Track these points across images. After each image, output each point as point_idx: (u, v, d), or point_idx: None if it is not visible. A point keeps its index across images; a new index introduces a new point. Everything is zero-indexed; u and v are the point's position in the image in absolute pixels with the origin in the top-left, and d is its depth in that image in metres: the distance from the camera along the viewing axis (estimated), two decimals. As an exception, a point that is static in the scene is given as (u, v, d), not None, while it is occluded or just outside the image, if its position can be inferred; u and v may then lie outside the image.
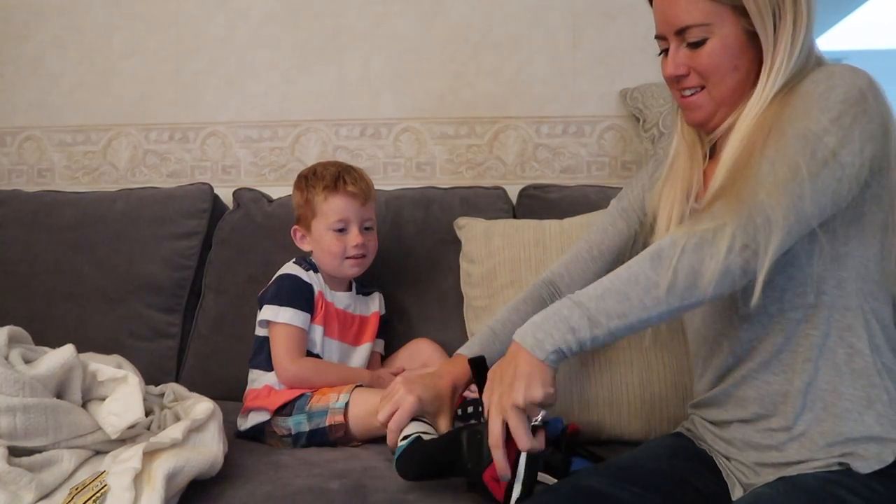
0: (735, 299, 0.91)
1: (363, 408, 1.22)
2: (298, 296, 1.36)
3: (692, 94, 0.96)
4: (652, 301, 0.82)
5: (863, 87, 0.84)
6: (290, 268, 1.41)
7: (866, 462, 0.85)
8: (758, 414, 0.93)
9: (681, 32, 0.93)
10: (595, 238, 1.18)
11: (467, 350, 1.12)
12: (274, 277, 1.41)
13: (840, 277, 0.88)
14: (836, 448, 0.87)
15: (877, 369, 0.87)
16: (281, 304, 1.34)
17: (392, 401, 1.02)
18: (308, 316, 1.36)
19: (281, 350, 1.32)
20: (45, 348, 1.13)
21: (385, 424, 1.02)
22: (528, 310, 1.14)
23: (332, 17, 1.90)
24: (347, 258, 1.39)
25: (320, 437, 1.23)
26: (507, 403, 0.85)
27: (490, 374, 0.90)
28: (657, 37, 0.98)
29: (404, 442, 0.99)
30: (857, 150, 0.82)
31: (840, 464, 0.86)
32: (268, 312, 1.34)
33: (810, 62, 0.92)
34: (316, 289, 1.39)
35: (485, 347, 1.11)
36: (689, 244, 0.81)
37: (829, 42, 4.99)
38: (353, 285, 1.48)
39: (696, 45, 0.93)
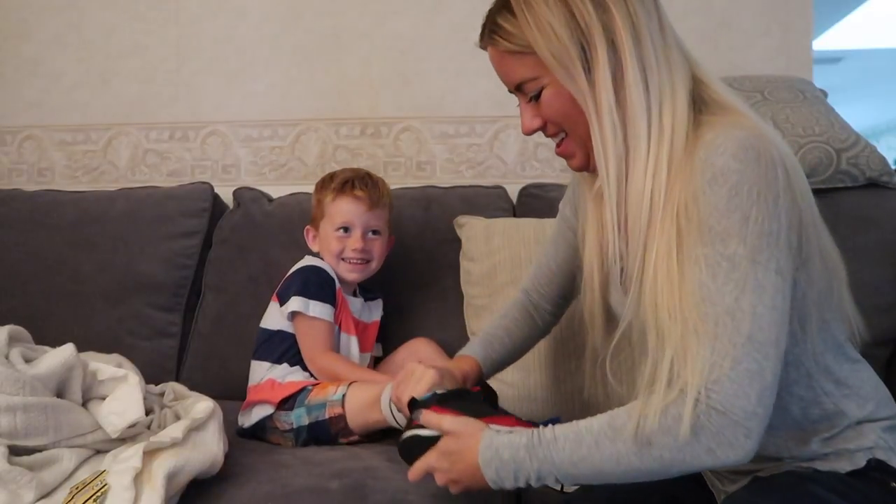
0: None
1: (360, 399, 1.22)
2: (326, 289, 1.38)
3: (560, 143, 0.94)
4: (629, 478, 0.81)
5: (753, 177, 0.77)
6: (313, 260, 1.43)
7: (840, 465, 0.84)
8: None
9: (519, 88, 0.91)
10: (550, 251, 1.18)
11: (469, 351, 1.14)
12: (296, 269, 1.42)
13: None
14: (805, 461, 0.86)
15: (835, 409, 0.86)
16: (310, 297, 1.36)
17: (412, 376, 1.03)
18: (334, 310, 1.37)
19: (311, 343, 1.34)
20: (46, 347, 1.13)
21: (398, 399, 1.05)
22: (516, 315, 1.18)
23: (332, 15, 1.89)
24: (344, 260, 1.40)
25: (321, 431, 1.23)
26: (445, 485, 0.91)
27: (442, 448, 0.91)
28: (509, 91, 0.96)
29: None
30: (782, 244, 0.78)
31: (813, 468, 0.85)
32: (297, 304, 1.35)
33: (683, 93, 0.84)
34: (336, 284, 1.40)
35: (485, 349, 1.14)
36: (679, 435, 0.76)
37: (829, 41, 4.99)
38: (358, 291, 1.49)
39: (537, 98, 0.90)
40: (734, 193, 0.77)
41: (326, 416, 1.23)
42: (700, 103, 0.86)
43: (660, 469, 0.79)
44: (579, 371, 1.32)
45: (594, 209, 0.99)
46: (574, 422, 0.84)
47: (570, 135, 0.91)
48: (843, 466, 0.84)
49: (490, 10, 0.92)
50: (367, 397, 1.22)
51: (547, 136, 0.94)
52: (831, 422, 0.86)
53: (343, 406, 1.23)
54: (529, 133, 0.94)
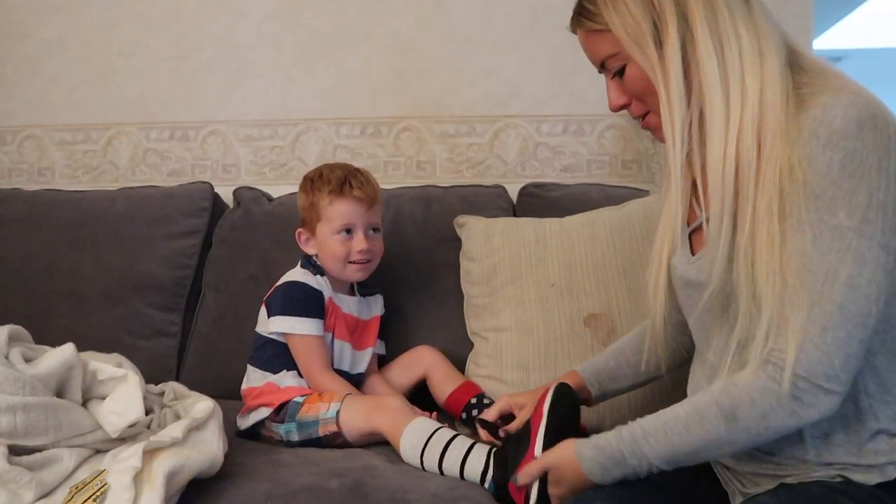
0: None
1: (355, 414, 1.22)
2: (311, 303, 1.35)
3: (644, 119, 0.96)
4: (720, 453, 0.89)
5: (871, 144, 0.77)
6: (299, 274, 1.40)
7: (869, 476, 0.83)
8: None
9: (604, 65, 0.95)
10: None
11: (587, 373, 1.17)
12: (282, 283, 1.40)
13: None
14: (835, 468, 0.85)
15: (868, 410, 0.84)
16: (295, 315, 1.33)
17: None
18: (322, 322, 1.35)
19: (308, 362, 1.33)
20: (46, 347, 1.13)
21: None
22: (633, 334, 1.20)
23: (332, 15, 1.89)
24: (351, 262, 1.38)
25: (314, 446, 1.23)
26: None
27: (551, 479, 0.95)
28: (598, 71, 0.99)
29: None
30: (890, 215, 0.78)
31: (842, 476, 0.84)
32: (284, 324, 1.33)
33: (774, 58, 0.85)
34: (326, 295, 1.38)
35: (608, 375, 1.17)
36: (765, 404, 0.80)
37: (829, 41, 4.99)
38: (355, 287, 1.47)
39: (620, 74, 0.93)
40: (849, 161, 0.77)
41: (320, 434, 1.23)
42: (797, 68, 0.87)
43: (748, 438, 0.83)
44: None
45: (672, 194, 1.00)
46: (660, 412, 0.88)
47: (653, 110, 0.93)
48: (873, 478, 0.83)
49: None
50: (363, 413, 1.21)
51: (633, 115, 0.97)
52: (860, 422, 0.84)
53: (338, 424, 1.22)
54: (616, 110, 0.97)
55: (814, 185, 0.79)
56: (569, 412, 1.04)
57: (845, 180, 0.77)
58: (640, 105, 0.95)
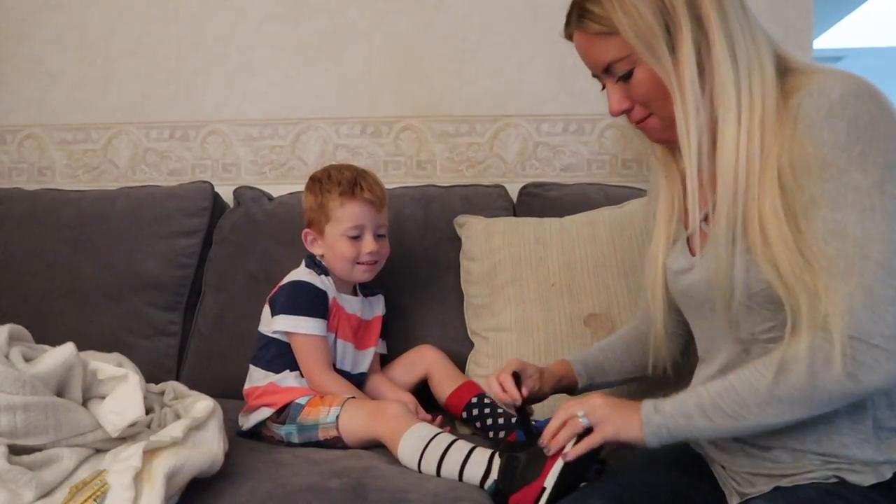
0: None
1: (354, 420, 1.21)
2: (316, 303, 1.35)
3: (643, 121, 0.95)
4: (766, 416, 0.82)
5: (872, 112, 0.78)
6: (304, 273, 1.39)
7: (864, 477, 0.83)
8: (751, 436, 0.91)
9: (608, 70, 0.93)
10: None
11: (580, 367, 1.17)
12: (286, 282, 1.39)
13: None
14: (831, 465, 0.85)
15: (871, 401, 0.84)
16: (299, 314, 1.33)
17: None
18: (325, 322, 1.35)
19: (310, 362, 1.33)
20: (46, 346, 1.13)
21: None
22: (627, 331, 1.20)
23: (332, 14, 1.89)
24: (359, 263, 1.38)
25: (315, 447, 1.23)
26: (599, 434, 0.92)
27: (610, 402, 0.94)
28: (593, 75, 0.97)
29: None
30: None
31: (836, 477, 0.84)
32: (287, 323, 1.33)
33: (770, 66, 0.86)
34: (330, 295, 1.38)
35: (597, 367, 1.17)
36: (815, 362, 0.78)
37: (829, 40, 4.99)
38: (357, 287, 1.47)
39: (626, 78, 0.91)
40: (853, 127, 0.78)
41: (320, 438, 1.23)
42: (785, 72, 0.87)
43: (795, 396, 0.80)
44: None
45: (667, 186, 1.01)
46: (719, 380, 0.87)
47: (655, 113, 0.92)
48: (868, 479, 0.83)
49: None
50: (361, 420, 1.21)
51: (632, 120, 0.96)
52: (856, 413, 0.84)
53: (338, 428, 1.22)
54: (617, 114, 0.96)
55: (822, 157, 0.79)
56: (590, 458, 1.01)
57: (854, 144, 0.78)
58: (643, 109, 0.93)
